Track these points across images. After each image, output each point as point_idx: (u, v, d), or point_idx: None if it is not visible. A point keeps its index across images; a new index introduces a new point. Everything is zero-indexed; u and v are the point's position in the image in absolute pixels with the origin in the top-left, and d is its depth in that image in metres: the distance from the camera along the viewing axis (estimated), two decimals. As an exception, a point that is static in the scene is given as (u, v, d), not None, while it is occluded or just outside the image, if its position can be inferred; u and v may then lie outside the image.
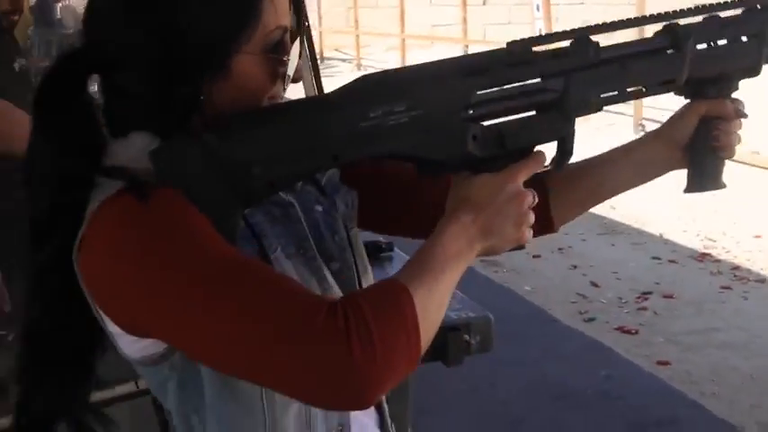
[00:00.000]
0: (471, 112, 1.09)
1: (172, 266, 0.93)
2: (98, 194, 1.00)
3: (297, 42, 1.13)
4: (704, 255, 6.11)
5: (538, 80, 1.13)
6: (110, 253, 0.97)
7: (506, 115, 1.12)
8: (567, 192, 1.33)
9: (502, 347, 4.49)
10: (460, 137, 1.07)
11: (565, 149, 1.16)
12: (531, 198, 1.09)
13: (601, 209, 7.23)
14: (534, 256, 6.16)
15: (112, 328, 1.03)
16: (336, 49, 21.97)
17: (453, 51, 15.35)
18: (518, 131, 1.12)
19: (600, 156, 1.35)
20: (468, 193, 1.07)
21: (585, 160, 1.36)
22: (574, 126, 1.15)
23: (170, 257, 0.94)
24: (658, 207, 7.23)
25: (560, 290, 5.50)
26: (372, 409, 1.26)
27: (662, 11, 1.22)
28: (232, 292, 0.91)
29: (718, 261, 5.97)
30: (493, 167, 1.08)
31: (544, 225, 1.30)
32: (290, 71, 1.10)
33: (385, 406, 1.29)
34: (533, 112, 1.14)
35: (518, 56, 1.12)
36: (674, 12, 1.23)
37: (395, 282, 0.96)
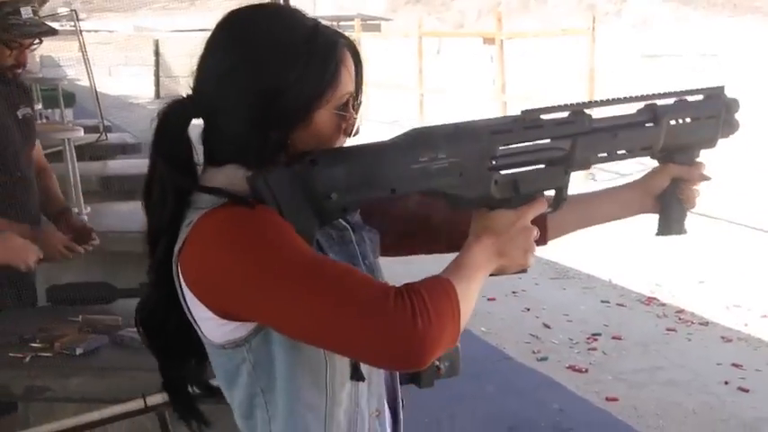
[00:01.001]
0: (495, 162, 1.38)
1: (272, 258, 1.20)
2: (192, 210, 1.28)
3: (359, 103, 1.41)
4: (651, 299, 6.44)
5: (548, 141, 1.44)
6: (217, 246, 1.23)
7: (522, 167, 1.43)
8: (562, 216, 1.61)
9: (460, 382, 4.73)
10: (486, 181, 1.37)
11: (561, 196, 1.48)
12: (535, 233, 1.38)
13: (553, 255, 7.53)
14: (489, 299, 6.40)
15: (203, 313, 1.29)
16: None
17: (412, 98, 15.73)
18: (528, 180, 1.42)
19: (592, 192, 1.70)
20: (489, 223, 1.36)
21: (581, 194, 1.68)
22: (569, 179, 1.47)
23: (271, 251, 1.20)
24: (608, 254, 7.57)
25: (514, 331, 5.75)
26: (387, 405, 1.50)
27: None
28: (320, 280, 1.18)
29: (664, 305, 6.29)
30: (508, 206, 1.38)
31: (540, 238, 1.58)
32: (351, 123, 1.39)
33: (398, 406, 1.55)
34: (542, 166, 1.45)
35: (531, 121, 1.42)
36: (651, 94, 1.57)
37: (442, 277, 1.26)
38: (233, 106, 1.31)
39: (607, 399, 4.63)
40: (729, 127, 1.64)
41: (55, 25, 4.40)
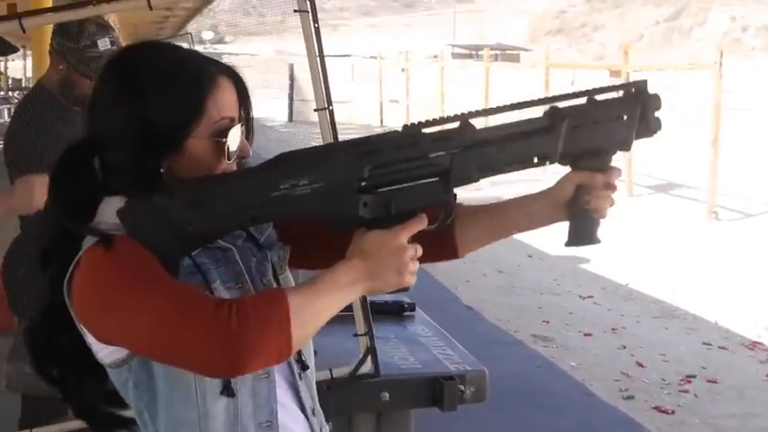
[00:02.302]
0: (363, 183, 1.36)
1: (115, 289, 1.29)
2: (87, 242, 1.36)
3: (237, 128, 1.43)
4: (756, 343, 6.18)
5: (425, 157, 1.39)
6: (83, 285, 1.33)
7: (399, 183, 1.39)
8: (472, 227, 1.61)
9: (536, 415, 4.70)
10: (354, 204, 1.36)
11: (448, 212, 1.46)
12: (412, 252, 1.37)
13: (661, 293, 7.35)
14: (585, 335, 6.31)
15: (90, 338, 1.37)
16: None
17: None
18: (403, 198, 1.39)
19: (502, 202, 1.64)
20: (361, 245, 1.36)
21: (491, 204, 1.64)
22: (453, 194, 1.43)
23: (114, 284, 1.29)
24: (717, 294, 7.33)
25: (605, 367, 5.63)
26: (302, 416, 1.53)
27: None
28: (154, 298, 1.26)
29: (769, 350, 6.04)
30: (384, 226, 1.37)
31: (450, 252, 1.62)
32: (231, 149, 1.42)
33: (313, 419, 1.56)
34: (417, 183, 1.40)
35: (407, 137, 1.39)
36: (554, 96, 1.49)
37: (277, 289, 1.33)
38: (113, 137, 1.40)
39: (688, 443, 4.49)
40: (647, 126, 1.52)
41: (199, 48, 4.53)
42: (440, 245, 1.56)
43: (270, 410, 1.45)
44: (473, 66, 25.24)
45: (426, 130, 1.41)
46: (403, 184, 1.39)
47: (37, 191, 2.36)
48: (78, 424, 2.32)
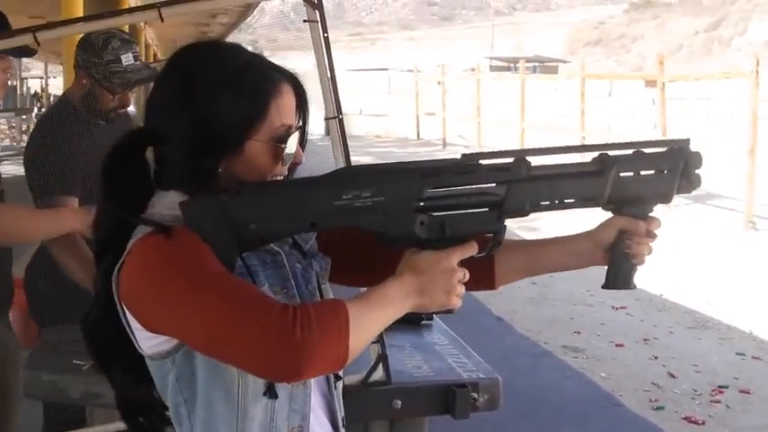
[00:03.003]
0: (422, 203, 1.42)
1: (175, 280, 1.30)
2: (138, 233, 1.38)
3: (295, 135, 1.48)
4: (791, 354, 6.10)
5: (483, 186, 1.45)
6: (138, 269, 1.34)
7: (455, 209, 1.44)
8: (511, 261, 1.65)
9: (563, 425, 4.68)
10: (410, 222, 1.41)
11: (497, 240, 1.49)
12: (461, 275, 1.41)
13: (696, 304, 7.28)
14: (617, 345, 6.27)
15: (135, 326, 1.39)
16: (459, 136, 22.45)
17: (572, 140, 15.53)
18: (457, 223, 1.44)
19: (543, 240, 1.68)
20: (412, 262, 1.40)
21: (532, 240, 1.69)
22: (504, 225, 1.47)
23: (175, 274, 1.30)
24: (753, 304, 7.25)
25: (636, 378, 5.59)
26: (330, 427, 1.56)
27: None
28: (213, 296, 1.27)
29: (804, 360, 5.95)
30: (436, 247, 1.41)
31: (487, 282, 1.65)
32: (288, 154, 1.47)
33: (342, 429, 1.59)
34: (473, 210, 1.46)
35: (467, 165, 1.44)
36: (607, 144, 1.54)
37: (337, 299, 1.32)
38: (171, 134, 1.43)
39: (718, 453, 4.45)
40: (688, 182, 1.58)
41: None
42: (478, 274, 1.57)
43: (302, 416, 1.47)
44: (509, 78, 25.18)
45: (484, 162, 1.46)
46: (458, 209, 1.45)
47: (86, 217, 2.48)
48: (96, 430, 2.37)
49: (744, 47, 38.00)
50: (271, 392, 1.41)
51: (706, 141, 14.90)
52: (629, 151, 1.55)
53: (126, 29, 7.79)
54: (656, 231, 1.58)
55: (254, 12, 15.53)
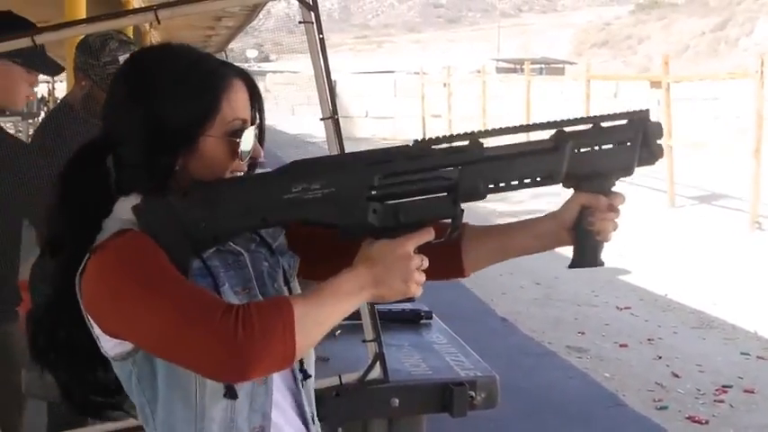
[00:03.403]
0: (374, 192, 1.41)
1: (125, 285, 1.32)
2: (101, 236, 1.39)
3: (250, 129, 1.48)
4: (796, 353, 6.09)
5: (434, 170, 1.44)
6: (96, 277, 1.36)
7: (409, 196, 1.43)
8: (478, 247, 1.64)
9: (565, 426, 4.68)
10: (363, 211, 1.40)
11: (454, 225, 1.48)
12: (417, 261, 1.40)
13: (700, 304, 7.27)
14: (621, 345, 6.28)
15: (97, 330, 1.40)
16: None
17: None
18: (411, 210, 1.43)
19: (509, 224, 1.67)
20: (368, 252, 1.39)
21: (498, 225, 1.68)
22: (460, 208, 1.46)
23: (126, 279, 1.32)
24: (758, 304, 7.24)
25: (640, 378, 5.59)
26: (300, 423, 1.56)
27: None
28: (160, 298, 1.29)
29: (809, 360, 5.94)
30: (391, 235, 1.40)
31: (456, 270, 1.64)
32: (244, 149, 1.46)
33: (312, 427, 1.59)
34: (426, 195, 1.44)
35: (418, 150, 1.44)
36: (563, 120, 1.52)
37: (283, 297, 1.34)
38: (126, 134, 1.44)
39: (721, 452, 4.45)
40: (650, 153, 1.54)
41: (243, 66, 4.63)
42: (446, 263, 1.58)
43: (263, 415, 1.47)
44: (515, 80, 25.17)
45: (437, 147, 1.45)
46: (412, 195, 1.43)
47: None
48: (99, 429, 2.38)
49: (750, 47, 37.92)
50: (230, 393, 1.41)
51: (712, 142, 14.88)
52: (588, 126, 1.53)
53: (131, 32, 7.82)
54: (618, 207, 1.55)
55: (260, 15, 15.55)
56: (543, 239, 1.61)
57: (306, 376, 1.58)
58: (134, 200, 1.42)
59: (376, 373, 2.33)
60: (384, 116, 27.13)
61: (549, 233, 1.60)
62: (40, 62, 2.74)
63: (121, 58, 2.91)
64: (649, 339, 6.43)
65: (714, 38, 49.88)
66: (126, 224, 1.39)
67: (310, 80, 2.28)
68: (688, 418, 4.90)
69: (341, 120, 2.32)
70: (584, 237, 1.55)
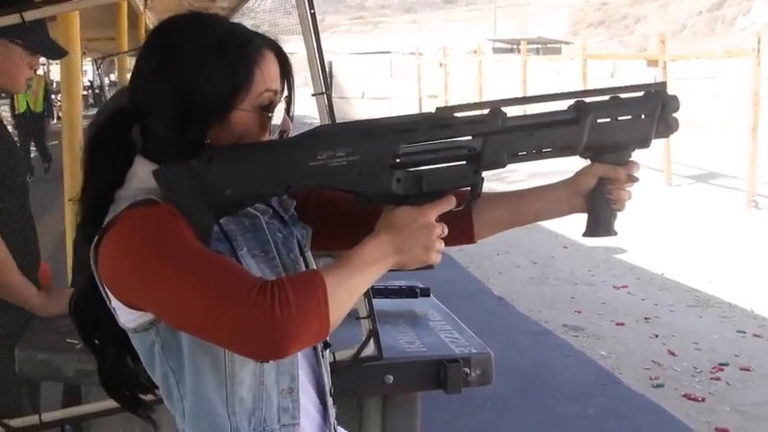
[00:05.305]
0: (398, 160, 1.40)
1: (152, 256, 1.28)
2: (117, 207, 1.37)
3: (282, 102, 1.46)
4: (792, 331, 6.10)
5: (458, 139, 1.44)
6: (113, 248, 1.32)
7: (432, 164, 1.43)
8: (489, 213, 1.64)
9: (561, 404, 4.69)
10: (387, 179, 1.40)
11: (474, 193, 1.48)
12: (439, 230, 1.39)
13: (697, 282, 7.28)
14: (618, 324, 6.28)
15: (115, 303, 1.38)
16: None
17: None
18: (434, 178, 1.43)
19: (522, 190, 1.66)
20: (390, 220, 1.38)
21: (510, 191, 1.67)
22: (482, 177, 1.46)
23: (153, 251, 1.28)
24: (755, 283, 7.25)
25: (636, 356, 5.59)
26: (315, 395, 1.55)
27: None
28: (193, 274, 1.25)
29: (805, 337, 5.95)
30: (413, 203, 1.39)
31: (466, 236, 1.64)
32: (277, 122, 1.46)
33: (329, 399, 1.59)
34: (449, 164, 1.44)
35: (442, 119, 1.42)
36: (583, 91, 1.53)
37: (314, 271, 1.31)
38: (156, 106, 1.40)
39: (717, 429, 4.44)
40: (666, 126, 1.55)
41: None
42: (457, 228, 1.56)
43: (291, 377, 1.47)
44: (511, 60, 25.12)
45: (459, 115, 1.44)
46: (435, 163, 1.43)
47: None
48: (88, 408, 2.37)
49: (748, 26, 37.79)
50: None
51: (709, 121, 14.86)
52: (606, 97, 1.54)
53: (125, 13, 7.72)
54: (636, 175, 1.57)
55: (255, -6, 15.44)
56: (556, 206, 1.62)
57: (326, 346, 1.59)
58: (149, 166, 1.39)
59: (370, 350, 2.32)
60: (381, 97, 27.06)
61: (562, 200, 1.61)
62: (42, 45, 2.71)
63: None
64: (646, 318, 6.43)
65: (711, 17, 49.72)
66: (139, 192, 1.36)
67: (307, 61, 2.26)
68: (684, 396, 4.89)
69: (337, 101, 2.30)
70: (601, 206, 1.57)
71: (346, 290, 1.29)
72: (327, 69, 27.55)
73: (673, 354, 5.64)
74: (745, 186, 11.08)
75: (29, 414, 2.38)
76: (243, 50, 1.40)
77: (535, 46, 35.95)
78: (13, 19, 2.13)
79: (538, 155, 1.51)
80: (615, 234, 1.59)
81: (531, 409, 4.65)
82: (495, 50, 38.69)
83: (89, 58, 18.75)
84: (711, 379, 5.19)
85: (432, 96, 24.05)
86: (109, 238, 1.33)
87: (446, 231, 1.40)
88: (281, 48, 1.47)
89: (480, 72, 20.85)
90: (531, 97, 1.52)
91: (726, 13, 48.72)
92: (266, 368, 1.43)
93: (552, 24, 64.74)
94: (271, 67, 1.43)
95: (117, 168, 1.42)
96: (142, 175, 1.40)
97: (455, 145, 1.44)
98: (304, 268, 1.55)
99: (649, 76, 14.66)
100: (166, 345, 1.40)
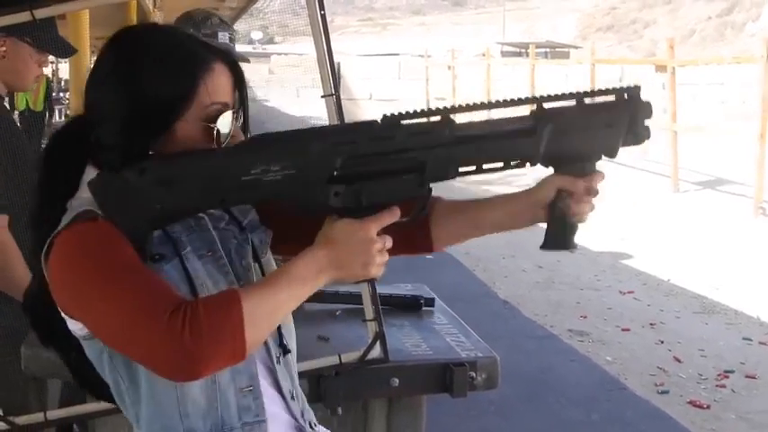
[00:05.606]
0: (336, 173, 1.35)
1: (83, 279, 1.30)
2: (67, 216, 1.37)
3: (228, 113, 1.43)
4: (798, 339, 6.08)
5: (401, 151, 1.37)
6: (56, 259, 1.34)
7: (374, 177, 1.36)
8: (448, 222, 1.61)
9: (566, 409, 4.68)
10: (324, 193, 1.35)
11: (421, 206, 1.43)
12: (380, 244, 1.36)
13: (704, 289, 7.26)
14: (623, 330, 6.26)
15: (62, 312, 1.39)
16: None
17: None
18: (375, 192, 1.37)
19: (481, 200, 1.62)
20: (328, 233, 1.36)
21: (470, 201, 1.62)
22: (428, 190, 1.41)
23: (82, 274, 1.30)
24: (761, 290, 7.23)
25: (642, 362, 5.58)
26: (280, 399, 1.54)
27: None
28: (112, 295, 1.27)
29: (811, 345, 5.92)
30: (354, 216, 1.35)
31: (424, 246, 1.61)
32: (222, 133, 1.43)
33: (291, 403, 1.57)
34: (391, 177, 1.38)
35: (383, 131, 1.36)
36: (546, 96, 1.44)
37: (233, 291, 1.31)
38: (103, 113, 1.41)
39: (722, 437, 4.44)
40: (635, 136, 1.46)
41: (248, 48, 4.69)
42: (414, 238, 1.56)
43: (249, 375, 1.46)
44: (520, 63, 25.09)
45: (406, 123, 1.38)
46: (377, 176, 1.37)
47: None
48: (93, 407, 2.36)
49: (757, 32, 37.70)
50: None
51: (717, 127, 14.83)
52: (572, 102, 1.44)
53: (134, 12, 7.73)
54: (597, 187, 1.49)
55: (265, -5, 15.46)
56: (518, 217, 1.57)
57: (285, 351, 1.56)
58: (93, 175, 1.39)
59: (376, 352, 2.32)
60: (388, 99, 27.02)
61: (523, 212, 1.56)
62: (52, 42, 2.71)
63: (220, 35, 2.96)
64: (651, 324, 6.41)
65: (721, 23, 49.64)
66: (86, 203, 1.37)
67: (315, 63, 2.26)
68: (689, 403, 4.89)
69: (345, 102, 2.30)
70: (558, 219, 1.50)
71: (269, 308, 1.29)
72: (336, 71, 27.76)
73: (678, 360, 5.63)
74: (752, 193, 11.03)
75: (36, 412, 2.38)
76: (188, 62, 1.41)
77: (543, 50, 35.86)
78: (23, 17, 2.13)
79: (486, 169, 1.43)
80: (574, 248, 1.52)
81: (535, 414, 4.64)
82: (504, 54, 38.62)
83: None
84: (717, 386, 5.19)
85: (439, 99, 24.03)
86: (53, 251, 1.35)
87: (389, 244, 1.37)
88: (234, 60, 1.47)
89: (488, 75, 20.85)
90: (486, 104, 1.43)
91: (735, 19, 48.65)
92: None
93: (561, 28, 64.70)
94: (221, 80, 1.43)
95: (69, 177, 1.43)
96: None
97: (399, 157, 1.37)
98: (257, 276, 1.54)
99: (658, 84, 14.63)
100: (114, 352, 1.40)
